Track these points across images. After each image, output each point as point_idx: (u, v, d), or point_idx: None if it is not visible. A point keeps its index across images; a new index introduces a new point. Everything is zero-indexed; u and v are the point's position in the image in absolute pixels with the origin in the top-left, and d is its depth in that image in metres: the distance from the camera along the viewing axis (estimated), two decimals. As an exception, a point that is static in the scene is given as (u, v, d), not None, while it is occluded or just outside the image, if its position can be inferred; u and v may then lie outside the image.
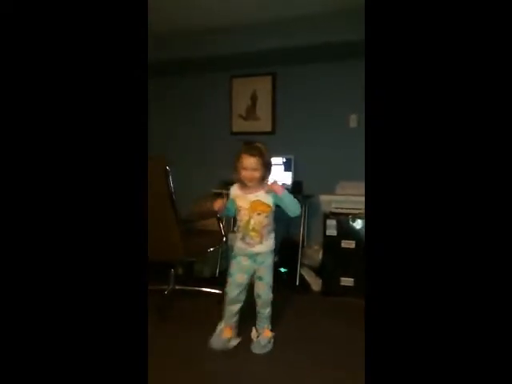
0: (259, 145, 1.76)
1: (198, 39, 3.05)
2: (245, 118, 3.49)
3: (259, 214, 1.76)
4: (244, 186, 1.79)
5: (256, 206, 1.75)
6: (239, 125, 3.51)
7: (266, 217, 1.78)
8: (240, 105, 3.49)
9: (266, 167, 1.76)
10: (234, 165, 1.77)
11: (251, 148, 1.74)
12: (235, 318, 1.87)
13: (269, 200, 1.76)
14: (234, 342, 1.87)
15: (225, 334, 1.84)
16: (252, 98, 3.45)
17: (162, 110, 3.63)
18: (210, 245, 2.48)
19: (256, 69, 3.36)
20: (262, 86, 3.40)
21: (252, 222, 1.76)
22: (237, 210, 1.82)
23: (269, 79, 3.37)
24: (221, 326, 1.86)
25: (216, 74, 3.50)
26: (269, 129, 3.40)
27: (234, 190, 1.84)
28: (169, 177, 2.09)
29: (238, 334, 1.90)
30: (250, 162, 1.72)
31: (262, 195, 1.76)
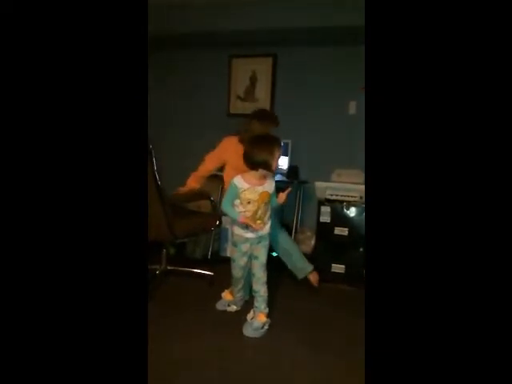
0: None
1: (197, 14, 2.96)
2: (243, 99, 3.43)
3: (266, 203, 1.82)
4: (249, 177, 1.78)
5: (264, 197, 1.80)
6: (237, 106, 3.45)
7: (268, 204, 1.85)
8: (238, 85, 3.42)
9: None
10: (269, 156, 1.74)
11: (278, 140, 1.82)
12: (238, 290, 2.04)
13: (272, 189, 1.84)
14: (232, 308, 2.07)
15: (225, 297, 2.11)
16: (251, 79, 3.39)
17: (156, 86, 3.54)
18: (200, 226, 2.46)
19: (256, 49, 3.28)
20: (262, 67, 3.33)
21: (259, 212, 1.81)
22: (244, 202, 1.79)
23: (269, 60, 3.30)
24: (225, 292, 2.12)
25: (214, 53, 3.42)
26: (267, 111, 3.34)
27: (241, 184, 1.78)
28: (152, 155, 2.05)
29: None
30: (279, 153, 1.80)
31: (267, 186, 1.82)
